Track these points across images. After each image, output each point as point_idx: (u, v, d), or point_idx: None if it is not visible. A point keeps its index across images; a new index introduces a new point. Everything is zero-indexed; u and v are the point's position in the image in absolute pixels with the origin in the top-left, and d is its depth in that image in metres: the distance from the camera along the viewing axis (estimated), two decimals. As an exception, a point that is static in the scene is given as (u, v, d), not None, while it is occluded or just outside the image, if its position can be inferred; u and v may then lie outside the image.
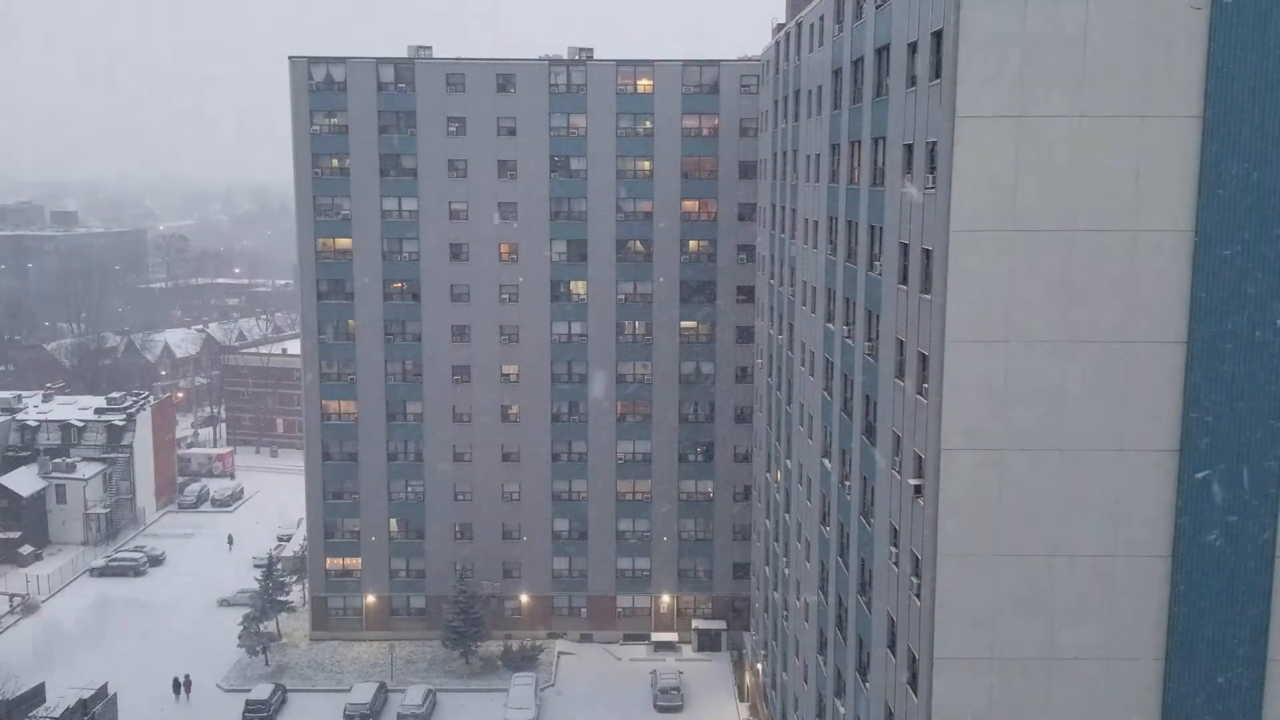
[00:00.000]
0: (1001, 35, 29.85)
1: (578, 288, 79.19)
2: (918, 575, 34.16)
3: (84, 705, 65.64)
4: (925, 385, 33.42)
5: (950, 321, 31.07)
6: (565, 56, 79.14)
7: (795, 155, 57.23)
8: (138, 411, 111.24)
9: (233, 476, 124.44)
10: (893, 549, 37.14)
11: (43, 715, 64.52)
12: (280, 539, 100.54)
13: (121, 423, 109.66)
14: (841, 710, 44.75)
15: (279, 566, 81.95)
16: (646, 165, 78.08)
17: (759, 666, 69.54)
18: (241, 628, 77.19)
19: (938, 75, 31.92)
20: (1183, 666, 32.12)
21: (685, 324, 79.43)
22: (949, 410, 31.43)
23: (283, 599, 79.22)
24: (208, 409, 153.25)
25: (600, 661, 78.70)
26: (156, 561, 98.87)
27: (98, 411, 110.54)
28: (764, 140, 70.12)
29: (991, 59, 29.95)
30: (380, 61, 77.14)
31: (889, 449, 37.89)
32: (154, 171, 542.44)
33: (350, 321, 79.18)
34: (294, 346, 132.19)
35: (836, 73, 46.68)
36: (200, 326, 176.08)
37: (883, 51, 38.94)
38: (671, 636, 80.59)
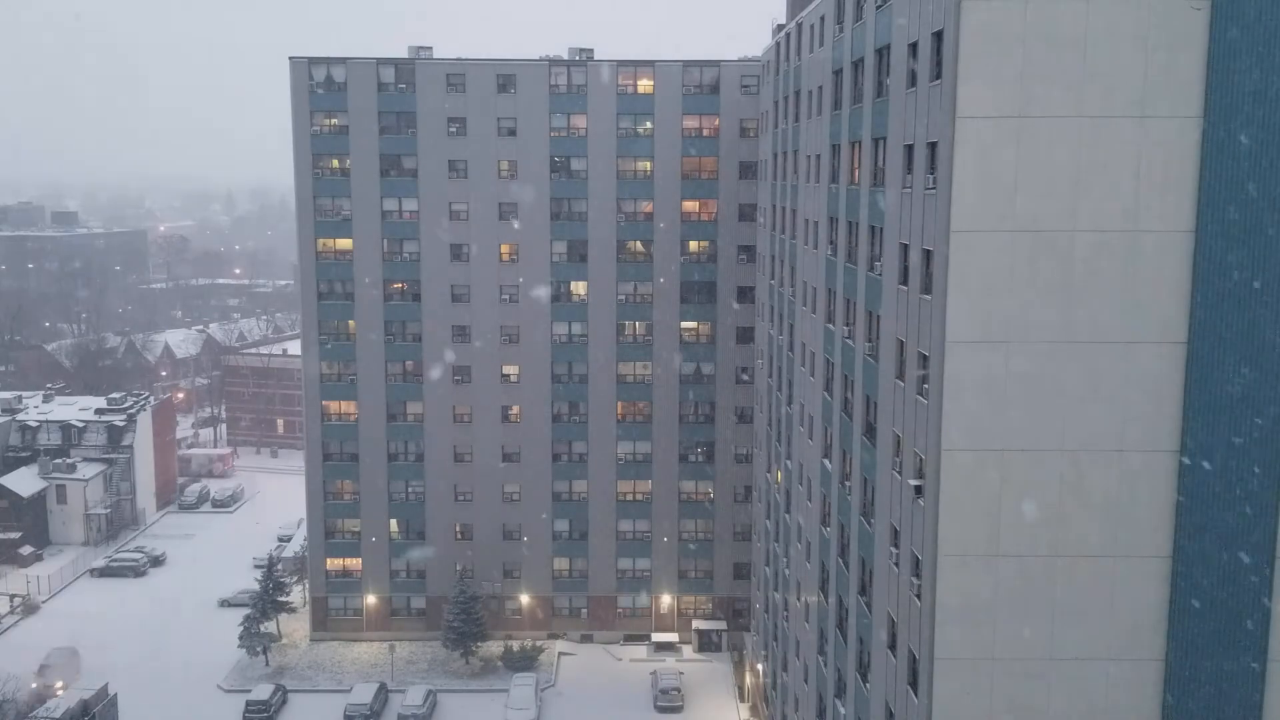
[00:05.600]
0: (1001, 35, 29.87)
1: (578, 288, 79.19)
2: (918, 575, 34.17)
3: (84, 705, 65.67)
4: (925, 386, 33.42)
5: (950, 321, 31.07)
6: (565, 57, 79.13)
7: (796, 156, 57.24)
8: (138, 412, 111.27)
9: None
10: (893, 549, 37.14)
11: (43, 715, 64.54)
12: (280, 539, 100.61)
13: (122, 423, 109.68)
14: (842, 711, 44.75)
15: (279, 567, 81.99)
16: (647, 166, 78.09)
17: (759, 667, 69.54)
18: (242, 628, 77.20)
19: (938, 75, 31.94)
20: (1183, 667, 32.12)
21: (685, 324, 79.42)
22: (949, 410, 31.44)
23: (283, 599, 79.24)
24: (208, 409, 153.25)
25: (601, 662, 78.69)
26: (157, 562, 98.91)
27: (98, 412, 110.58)
28: (764, 141, 70.14)
29: (991, 59, 29.96)
30: (381, 62, 77.16)
31: (889, 449, 37.90)
32: (154, 171, 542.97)
33: (350, 322, 79.17)
34: (294, 347, 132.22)
35: (837, 73, 46.69)
36: (201, 327, 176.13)
37: (883, 52, 38.95)
38: (672, 637, 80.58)
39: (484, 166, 77.64)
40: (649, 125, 77.84)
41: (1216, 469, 31.22)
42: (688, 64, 77.83)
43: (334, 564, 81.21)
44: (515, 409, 79.88)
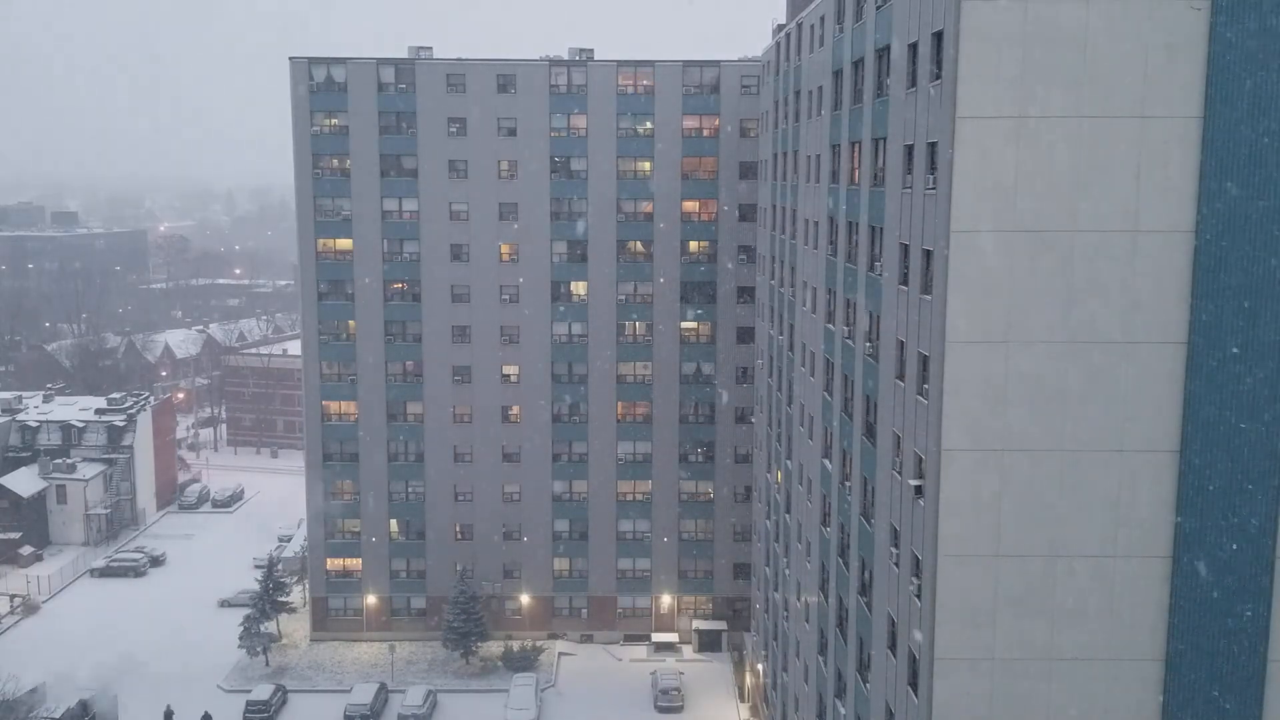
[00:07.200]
0: (1001, 35, 29.86)
1: (578, 288, 79.20)
2: (918, 576, 34.17)
3: (84, 705, 65.69)
4: (925, 386, 33.43)
5: (950, 322, 31.06)
6: (566, 57, 79.14)
7: (796, 156, 57.25)
8: (138, 412, 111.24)
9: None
10: (893, 549, 37.15)
11: (43, 715, 64.54)
12: (280, 539, 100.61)
13: (122, 423, 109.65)
14: (842, 711, 44.75)
15: (279, 567, 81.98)
16: (647, 166, 78.10)
17: (759, 667, 69.54)
18: (242, 628, 77.20)
19: (938, 76, 31.94)
20: (1183, 667, 32.12)
21: (685, 324, 79.44)
22: (949, 411, 31.43)
23: (283, 600, 79.23)
24: (208, 410, 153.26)
25: (601, 662, 78.69)
26: (157, 562, 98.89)
27: (98, 412, 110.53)
28: (764, 141, 70.15)
29: (991, 59, 29.95)
30: (381, 62, 77.16)
31: (889, 449, 37.90)
32: (154, 171, 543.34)
33: (351, 322, 79.18)
34: (294, 347, 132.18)
35: (837, 73, 46.70)
36: (201, 327, 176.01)
37: (883, 52, 38.95)
38: (672, 637, 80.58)
39: (484, 166, 77.66)
40: (649, 125, 77.85)
41: (1216, 469, 31.22)
42: (688, 64, 77.84)
43: (334, 564, 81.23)
44: (515, 409, 79.89)
